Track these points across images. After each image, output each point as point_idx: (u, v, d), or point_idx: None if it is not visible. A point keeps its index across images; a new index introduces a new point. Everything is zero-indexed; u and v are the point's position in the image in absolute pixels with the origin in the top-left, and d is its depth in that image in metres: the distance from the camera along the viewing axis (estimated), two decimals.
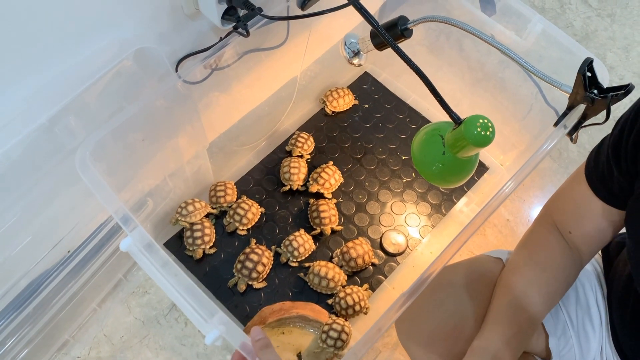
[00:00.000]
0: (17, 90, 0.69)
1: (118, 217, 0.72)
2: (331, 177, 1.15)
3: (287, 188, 1.16)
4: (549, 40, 0.94)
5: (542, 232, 0.81)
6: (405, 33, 0.92)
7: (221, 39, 0.87)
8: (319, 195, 1.16)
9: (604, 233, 0.76)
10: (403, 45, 0.84)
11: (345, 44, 1.07)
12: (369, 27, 0.95)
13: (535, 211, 1.36)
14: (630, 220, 0.67)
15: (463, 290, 0.84)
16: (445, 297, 0.83)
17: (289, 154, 1.21)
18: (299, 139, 1.20)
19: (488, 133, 0.65)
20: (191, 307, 0.68)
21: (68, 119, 0.77)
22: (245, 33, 0.82)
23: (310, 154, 1.22)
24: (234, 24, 0.82)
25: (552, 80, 0.83)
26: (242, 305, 1.05)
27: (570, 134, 0.86)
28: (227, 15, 0.82)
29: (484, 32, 0.86)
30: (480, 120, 0.65)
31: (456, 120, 0.69)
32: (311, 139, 1.21)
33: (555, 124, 0.86)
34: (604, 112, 0.80)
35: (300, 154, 1.19)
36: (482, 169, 1.24)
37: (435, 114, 1.29)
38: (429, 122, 1.28)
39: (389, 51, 0.94)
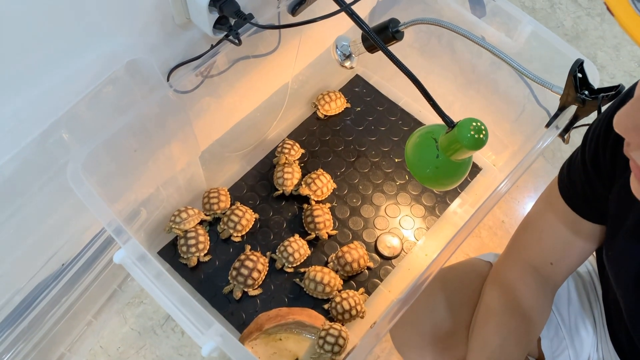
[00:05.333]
0: (8, 106, 0.69)
1: (111, 229, 0.72)
2: (324, 186, 1.15)
3: (279, 192, 1.16)
4: (540, 41, 0.95)
5: (517, 272, 0.77)
6: (397, 35, 0.92)
7: (212, 47, 0.86)
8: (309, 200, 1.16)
9: (587, 255, 0.74)
10: (394, 47, 0.84)
11: (337, 47, 1.07)
12: (360, 30, 0.95)
13: None
14: (615, 269, 0.65)
15: (456, 294, 0.84)
16: (438, 302, 0.83)
17: (285, 162, 1.19)
18: (285, 145, 1.20)
19: (481, 136, 0.65)
20: (187, 319, 0.68)
21: (60, 133, 0.76)
22: (237, 42, 0.82)
23: (298, 159, 1.21)
24: (226, 32, 0.82)
25: (543, 82, 0.84)
26: (238, 313, 1.04)
27: (562, 134, 0.86)
28: (219, 24, 0.81)
29: (474, 34, 0.86)
30: (474, 124, 0.65)
31: (449, 123, 0.69)
32: (297, 145, 1.21)
33: (547, 125, 0.87)
34: (596, 113, 0.80)
35: (286, 161, 1.18)
36: (475, 170, 1.24)
37: (428, 116, 1.29)
38: (421, 124, 1.28)
39: (381, 54, 0.93)
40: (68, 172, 0.73)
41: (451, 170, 0.74)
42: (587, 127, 0.73)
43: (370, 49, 0.98)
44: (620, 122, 0.39)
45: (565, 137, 0.89)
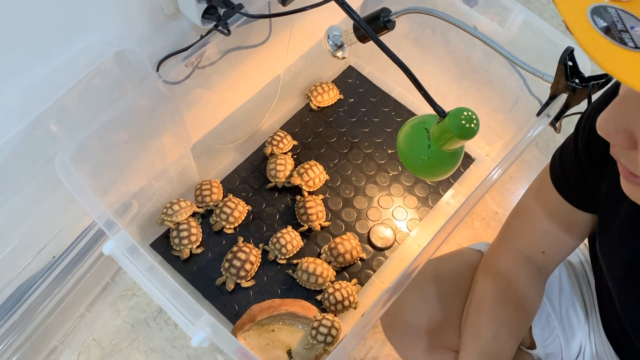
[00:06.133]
0: None
1: (101, 222, 0.71)
2: (316, 177, 1.14)
3: (272, 185, 1.15)
4: (532, 30, 0.94)
5: (509, 261, 0.77)
6: (388, 25, 0.91)
7: (202, 37, 0.86)
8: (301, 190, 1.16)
9: (578, 243, 0.74)
10: (387, 38, 0.83)
11: (329, 37, 1.06)
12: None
13: None
14: (607, 260, 0.65)
15: (448, 284, 0.84)
16: (429, 291, 0.83)
17: (271, 153, 1.19)
18: (275, 137, 1.19)
19: (472, 125, 0.65)
20: (176, 309, 0.68)
21: (48, 124, 0.76)
22: (226, 32, 0.81)
23: (290, 151, 1.20)
24: (215, 22, 0.81)
25: (534, 70, 0.83)
26: (231, 304, 1.04)
27: (553, 123, 0.86)
28: (208, 14, 0.81)
29: (466, 23, 0.85)
30: (465, 113, 0.65)
31: (440, 113, 0.69)
32: (289, 137, 1.20)
33: (538, 114, 0.87)
34: (586, 101, 0.80)
35: (272, 152, 1.18)
36: (468, 160, 1.24)
37: (421, 107, 1.29)
38: (414, 115, 1.28)
39: (374, 45, 0.93)
40: (56, 163, 0.72)
41: (443, 160, 0.74)
42: (578, 115, 0.73)
43: (362, 38, 0.97)
44: (602, 125, 0.38)
45: (557, 125, 0.89)
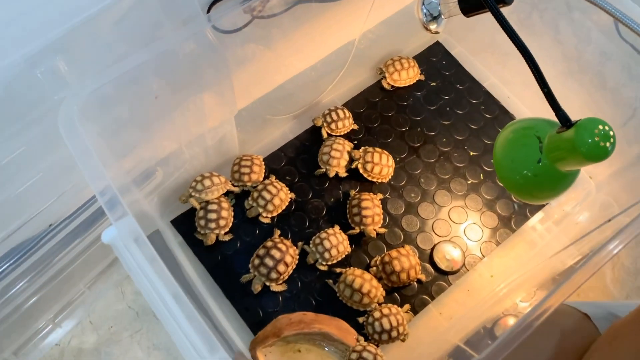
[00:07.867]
0: None
1: (104, 199, 0.56)
2: (382, 167, 0.95)
3: (322, 171, 0.97)
4: None
5: None
6: None
7: None
8: (364, 184, 0.97)
9: None
10: (487, 14, 0.66)
11: (423, 4, 0.87)
12: None
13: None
14: None
15: (538, 354, 0.65)
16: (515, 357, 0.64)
17: (320, 126, 1.01)
18: (332, 114, 1.00)
19: (607, 145, 0.53)
20: (186, 338, 0.52)
21: (55, 60, 0.60)
22: None
23: (348, 134, 1.02)
24: None
25: None
26: (254, 309, 0.88)
27: None
28: None
29: (625, 14, 0.65)
30: (600, 127, 0.53)
31: (565, 120, 0.56)
32: (350, 119, 1.02)
33: None
34: None
35: (321, 126, 1.00)
36: None
37: (517, 105, 1.07)
38: (508, 112, 1.06)
39: (470, 20, 0.75)
40: (60, 114, 0.59)
41: (552, 181, 0.61)
42: None
43: (467, 10, 0.79)
44: None
45: None
